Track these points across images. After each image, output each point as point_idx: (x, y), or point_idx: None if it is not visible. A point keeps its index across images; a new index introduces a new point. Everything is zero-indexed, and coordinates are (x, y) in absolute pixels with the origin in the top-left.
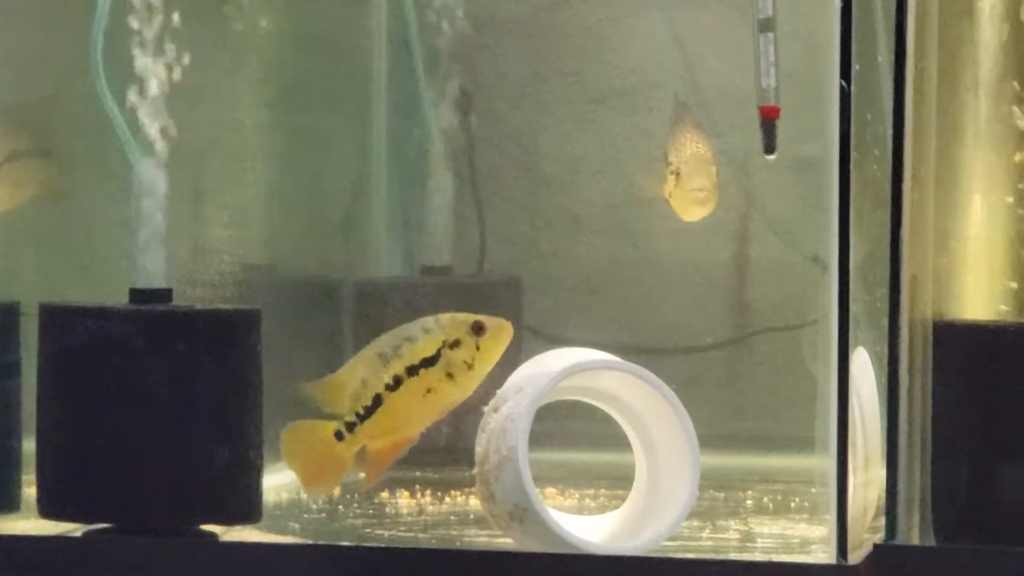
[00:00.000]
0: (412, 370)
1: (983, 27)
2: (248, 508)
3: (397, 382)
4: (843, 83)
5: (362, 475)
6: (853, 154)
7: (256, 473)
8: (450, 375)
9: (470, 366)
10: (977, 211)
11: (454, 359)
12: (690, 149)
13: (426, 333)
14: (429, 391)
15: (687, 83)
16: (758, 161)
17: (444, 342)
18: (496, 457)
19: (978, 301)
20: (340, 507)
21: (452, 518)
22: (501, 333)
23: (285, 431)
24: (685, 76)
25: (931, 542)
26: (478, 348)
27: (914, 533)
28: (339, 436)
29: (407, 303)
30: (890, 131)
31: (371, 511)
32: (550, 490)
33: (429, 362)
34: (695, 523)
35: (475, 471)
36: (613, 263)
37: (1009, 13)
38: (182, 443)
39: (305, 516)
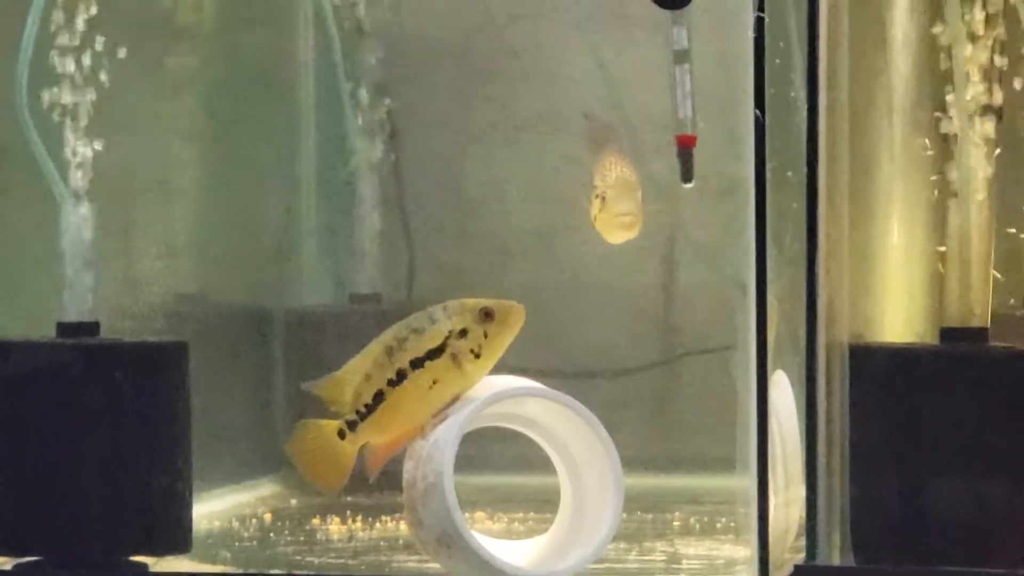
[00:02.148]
0: (417, 363)
1: (896, 56)
2: (177, 538)
3: (401, 376)
4: (757, 112)
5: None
6: (769, 180)
7: (185, 503)
8: (457, 364)
9: (477, 355)
10: (894, 235)
11: (461, 348)
12: (615, 173)
13: (433, 323)
14: (435, 382)
15: (614, 109)
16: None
17: (451, 331)
18: (423, 483)
19: (896, 323)
20: (271, 535)
21: (382, 544)
22: (510, 318)
23: (293, 431)
24: (611, 102)
25: (851, 562)
26: (486, 335)
27: (834, 553)
28: (342, 434)
29: (336, 331)
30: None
31: (302, 538)
32: (479, 514)
33: (435, 353)
34: (622, 545)
35: (403, 497)
36: (541, 288)
37: (922, 42)
38: (111, 475)
39: (237, 544)
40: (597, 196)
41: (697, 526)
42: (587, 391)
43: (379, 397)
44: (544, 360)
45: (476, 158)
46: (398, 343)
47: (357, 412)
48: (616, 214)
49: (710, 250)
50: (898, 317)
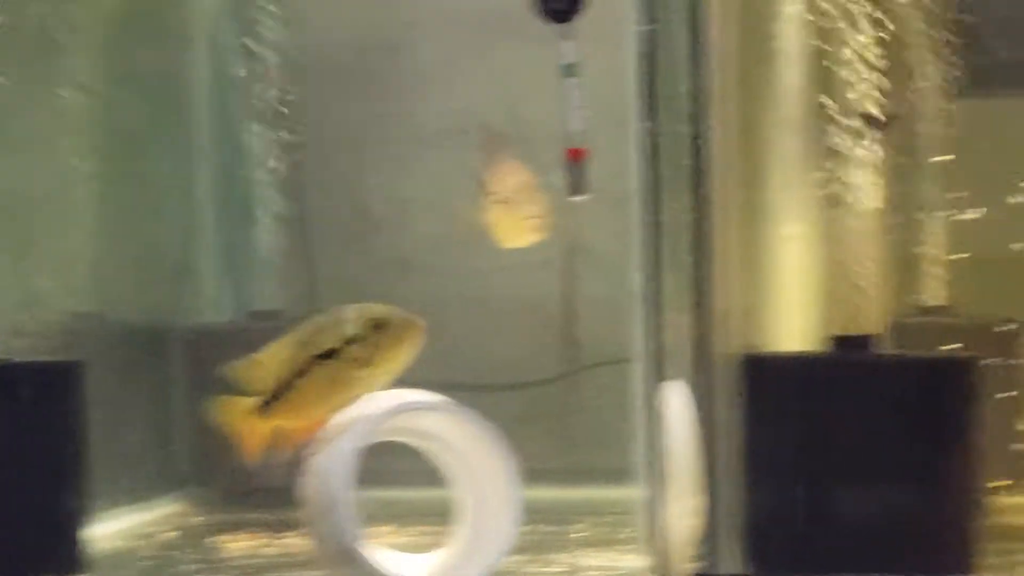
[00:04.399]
0: (318, 360)
1: (785, 69)
2: (72, 559)
3: (307, 368)
4: (649, 124)
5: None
6: (665, 191)
7: (81, 523)
8: (349, 369)
9: (367, 363)
10: (786, 245)
11: (353, 354)
12: (515, 178)
13: (335, 325)
14: (332, 382)
15: (515, 122)
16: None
17: (347, 336)
18: (322, 499)
19: (792, 332)
20: (173, 553)
21: (284, 560)
22: (405, 332)
23: (213, 404)
24: (512, 115)
25: (749, 571)
26: (378, 346)
27: (733, 562)
28: (256, 412)
29: (236, 349)
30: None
31: (204, 556)
32: (384, 528)
33: (332, 354)
34: (525, 557)
35: (303, 512)
36: (444, 301)
37: (810, 56)
38: (2, 496)
39: (138, 563)
40: (498, 202)
41: (599, 537)
42: (490, 404)
43: (289, 385)
44: (447, 373)
45: (378, 173)
46: (308, 337)
47: (272, 394)
48: (523, 217)
49: (610, 262)
50: (796, 326)
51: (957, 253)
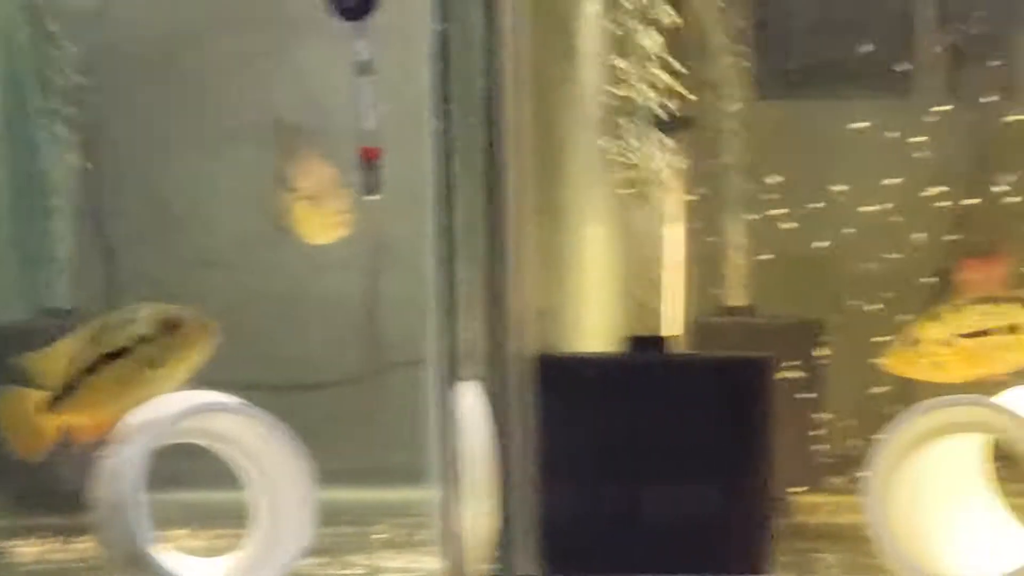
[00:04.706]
0: (112, 356)
1: (583, 69)
2: None
3: (97, 365)
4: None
5: None
6: (461, 191)
7: None
8: (140, 369)
9: (158, 363)
10: (586, 245)
11: (144, 354)
12: (319, 174)
13: (127, 324)
14: (121, 381)
15: (318, 119)
16: (385, 194)
17: (137, 336)
18: (110, 503)
19: (592, 333)
20: None
21: (76, 565)
22: (195, 334)
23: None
24: (315, 112)
25: (544, 572)
26: (168, 347)
27: (527, 563)
28: (43, 407)
29: (26, 348)
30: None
31: None
32: (180, 532)
33: (123, 352)
34: (323, 559)
35: (93, 517)
36: (246, 299)
37: (608, 52)
38: None
39: None
40: (302, 198)
41: (401, 538)
42: (290, 404)
43: (79, 381)
44: (248, 373)
45: (179, 169)
46: (99, 334)
47: (61, 389)
48: (327, 213)
49: (412, 260)
50: (596, 327)
51: (760, 253)
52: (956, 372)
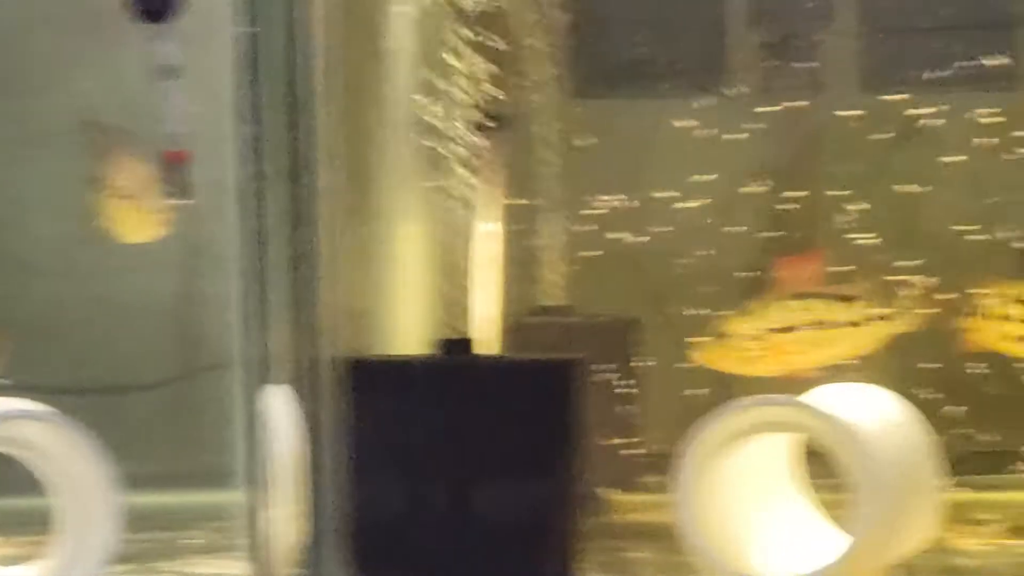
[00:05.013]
0: None
1: (395, 69)
2: None
3: None
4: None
5: None
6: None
7: None
8: None
9: None
10: (400, 246)
11: None
12: (135, 173)
13: None
14: None
15: (132, 120)
16: (202, 193)
17: None
18: None
19: (406, 335)
20: None
21: None
22: None
23: None
24: (128, 113)
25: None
26: None
27: (335, 568)
28: None
29: None
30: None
31: None
32: None
33: None
34: (131, 566)
35: None
36: (59, 303)
37: (421, 55)
38: None
39: None
40: (118, 197)
41: (214, 543)
42: (103, 407)
43: None
44: (60, 377)
45: None
46: None
47: None
48: (144, 212)
49: (227, 262)
50: (411, 329)
51: (577, 253)
52: (765, 366)
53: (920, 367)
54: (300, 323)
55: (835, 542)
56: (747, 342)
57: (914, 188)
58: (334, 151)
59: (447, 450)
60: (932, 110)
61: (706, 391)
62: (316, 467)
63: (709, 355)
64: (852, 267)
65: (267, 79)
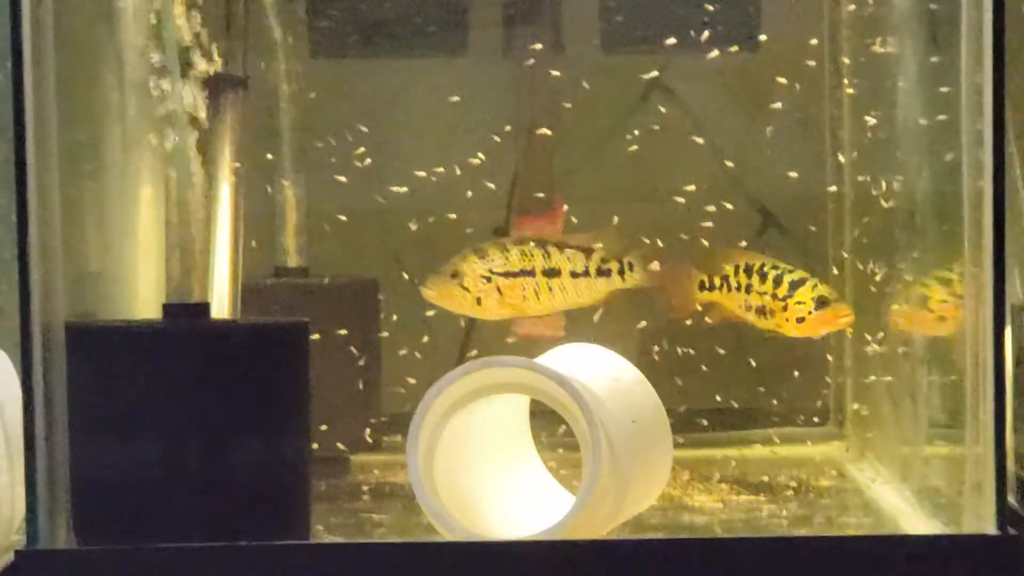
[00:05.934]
0: None
1: (123, 28)
2: None
3: None
4: None
5: None
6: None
7: None
8: None
9: None
10: (131, 209)
11: None
12: None
13: None
14: None
15: None
16: None
17: None
18: None
19: (139, 299)
20: None
21: None
22: None
23: None
24: None
25: (75, 544)
26: None
27: (59, 536)
28: None
29: None
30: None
31: None
32: None
33: None
34: None
35: None
36: None
37: (149, 14)
38: None
39: None
40: None
41: None
42: None
43: None
44: None
45: None
46: None
47: None
48: None
49: None
50: (143, 293)
51: (316, 214)
52: (492, 309)
53: (652, 326)
54: (20, 287)
55: (566, 502)
56: (477, 282)
57: (654, 150)
58: (47, 110)
59: (173, 416)
60: (674, 70)
61: (446, 352)
62: (31, 434)
63: (439, 292)
64: (591, 222)
65: None
